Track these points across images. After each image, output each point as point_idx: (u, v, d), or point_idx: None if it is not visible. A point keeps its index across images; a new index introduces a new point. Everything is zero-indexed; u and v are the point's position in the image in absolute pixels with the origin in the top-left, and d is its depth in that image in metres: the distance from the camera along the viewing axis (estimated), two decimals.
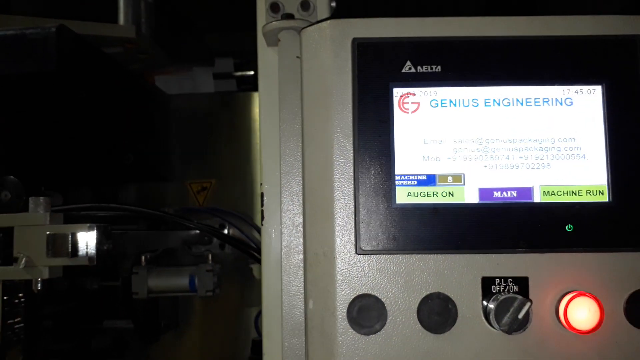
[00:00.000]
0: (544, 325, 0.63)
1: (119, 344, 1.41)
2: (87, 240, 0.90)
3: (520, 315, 0.60)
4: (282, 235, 0.72)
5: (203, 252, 1.40)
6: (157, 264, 1.32)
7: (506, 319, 0.61)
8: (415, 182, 0.65)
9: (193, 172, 1.49)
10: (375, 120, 0.65)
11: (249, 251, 1.22)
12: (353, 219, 0.65)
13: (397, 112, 0.66)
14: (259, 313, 1.45)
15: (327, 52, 0.67)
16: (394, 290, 0.64)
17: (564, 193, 0.64)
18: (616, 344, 0.62)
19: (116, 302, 1.36)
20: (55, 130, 1.23)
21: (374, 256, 0.64)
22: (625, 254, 0.63)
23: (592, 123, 0.65)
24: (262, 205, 0.77)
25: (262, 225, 0.77)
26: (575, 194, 0.64)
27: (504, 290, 0.63)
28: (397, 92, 0.66)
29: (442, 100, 0.66)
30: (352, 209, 0.65)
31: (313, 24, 0.69)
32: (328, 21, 0.67)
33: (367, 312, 0.63)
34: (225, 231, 1.43)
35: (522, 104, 0.66)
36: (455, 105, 0.66)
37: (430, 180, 0.65)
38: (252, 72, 1.63)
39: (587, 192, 0.64)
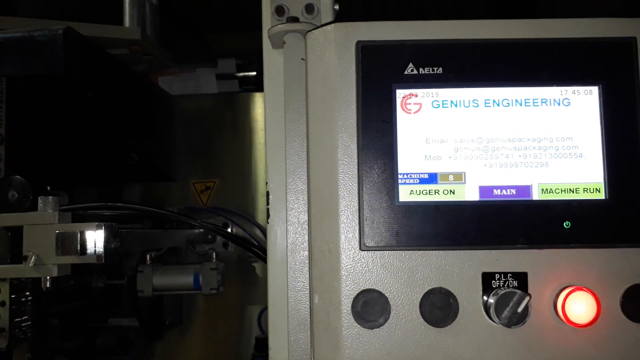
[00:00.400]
0: (542, 319, 0.65)
1: (124, 341, 1.43)
2: (95, 239, 0.92)
3: (520, 310, 0.62)
4: (288, 232, 0.74)
5: (207, 251, 1.42)
6: (162, 262, 1.34)
7: (506, 313, 0.62)
8: (418, 181, 0.67)
9: (197, 171, 1.51)
10: (379, 120, 0.67)
11: (252, 249, 1.24)
12: (357, 217, 0.66)
13: (399, 113, 0.67)
14: (262, 311, 1.47)
15: (332, 55, 0.68)
16: (397, 285, 0.66)
17: (561, 191, 0.66)
18: (613, 337, 0.64)
19: (121, 300, 1.38)
20: (61, 130, 1.25)
21: (378, 252, 0.66)
22: (621, 250, 0.65)
23: (589, 123, 0.67)
24: (267, 203, 0.79)
25: (267, 223, 0.79)
26: (573, 192, 0.66)
27: (503, 285, 0.65)
28: (400, 93, 0.68)
29: (443, 101, 0.68)
30: (357, 207, 0.67)
31: (318, 27, 0.71)
32: (333, 25, 0.69)
33: (371, 307, 0.65)
34: (229, 230, 1.45)
35: (521, 104, 0.68)
36: (456, 105, 0.68)
37: (432, 178, 0.67)
38: (254, 73, 1.65)
39: (584, 190, 0.66)
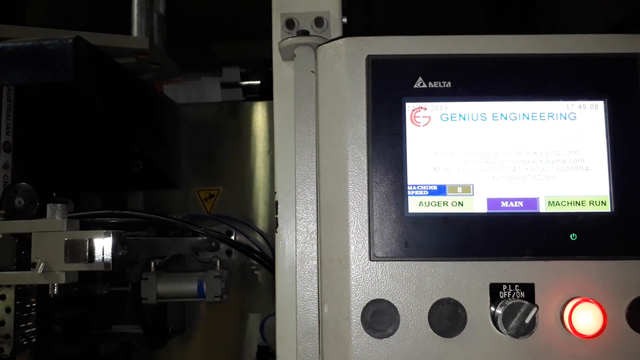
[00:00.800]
0: (549, 330, 0.66)
1: (127, 348, 1.43)
2: (103, 246, 0.92)
3: (527, 320, 0.63)
4: (297, 242, 0.74)
5: (211, 259, 1.42)
6: (166, 270, 1.34)
7: (513, 323, 0.63)
8: (427, 192, 0.68)
9: (200, 179, 1.52)
10: (389, 132, 0.68)
11: (256, 257, 1.25)
12: (367, 227, 0.67)
13: (409, 125, 0.69)
14: (265, 319, 1.48)
15: (343, 68, 0.70)
16: (406, 295, 0.66)
17: (568, 203, 0.67)
18: (618, 349, 0.65)
19: (125, 308, 1.38)
20: (68, 137, 1.26)
21: (387, 263, 0.67)
22: (627, 262, 0.66)
23: (595, 137, 0.68)
24: (276, 213, 0.80)
25: (276, 232, 0.80)
26: (579, 204, 0.67)
27: (511, 296, 0.66)
28: (410, 106, 0.69)
29: (452, 114, 0.69)
30: (366, 218, 0.68)
31: (329, 41, 0.73)
32: (344, 39, 0.70)
33: (380, 317, 0.66)
34: (233, 237, 1.46)
35: (528, 118, 0.69)
36: (464, 119, 0.69)
37: (441, 190, 0.68)
38: (258, 82, 1.67)
39: (590, 203, 0.67)
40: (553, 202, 0.68)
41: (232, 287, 1.40)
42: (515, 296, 0.66)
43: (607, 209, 0.67)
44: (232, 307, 1.48)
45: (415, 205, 0.68)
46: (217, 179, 1.52)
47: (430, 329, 0.66)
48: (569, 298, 0.66)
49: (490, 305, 0.66)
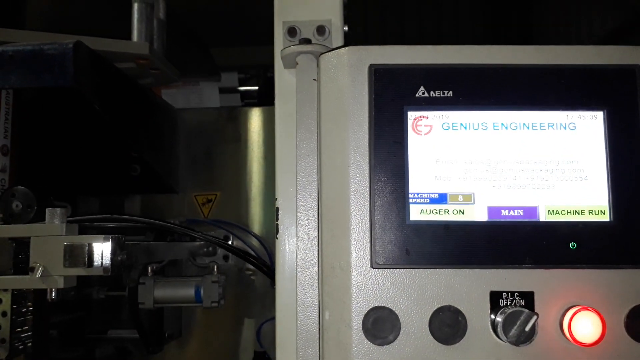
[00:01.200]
0: (549, 338, 0.66)
1: (123, 353, 1.43)
2: (102, 251, 0.92)
3: (527, 328, 0.63)
4: (298, 248, 0.75)
5: (208, 264, 1.42)
6: (163, 274, 1.34)
7: (513, 331, 0.64)
8: (428, 200, 0.68)
9: (198, 184, 1.52)
10: (390, 141, 0.69)
11: (253, 262, 1.25)
12: (368, 235, 0.68)
13: (411, 134, 0.69)
14: (261, 324, 1.48)
15: (345, 77, 0.70)
16: (407, 302, 0.67)
17: (567, 212, 0.68)
18: (617, 357, 0.66)
19: (121, 312, 1.38)
20: (66, 141, 1.26)
21: (388, 270, 0.67)
22: (626, 271, 0.67)
23: (594, 147, 0.69)
24: (276, 219, 0.80)
25: (276, 238, 0.80)
26: (578, 213, 0.68)
27: (511, 304, 0.66)
28: (411, 115, 0.69)
29: (453, 123, 0.70)
30: (368, 225, 0.68)
31: (331, 50, 0.73)
32: (346, 48, 0.71)
33: (381, 324, 0.66)
34: (230, 242, 1.46)
35: (528, 127, 0.70)
36: (465, 128, 0.70)
37: (442, 198, 0.68)
38: (256, 88, 1.67)
39: (589, 212, 0.68)
40: (553, 211, 0.68)
41: (228, 292, 1.39)
42: (515, 304, 0.66)
43: (606, 218, 0.68)
44: (228, 313, 1.48)
45: (417, 213, 0.68)
46: (215, 183, 1.52)
47: (431, 336, 0.66)
48: (568, 306, 0.66)
49: (491, 313, 0.67)
